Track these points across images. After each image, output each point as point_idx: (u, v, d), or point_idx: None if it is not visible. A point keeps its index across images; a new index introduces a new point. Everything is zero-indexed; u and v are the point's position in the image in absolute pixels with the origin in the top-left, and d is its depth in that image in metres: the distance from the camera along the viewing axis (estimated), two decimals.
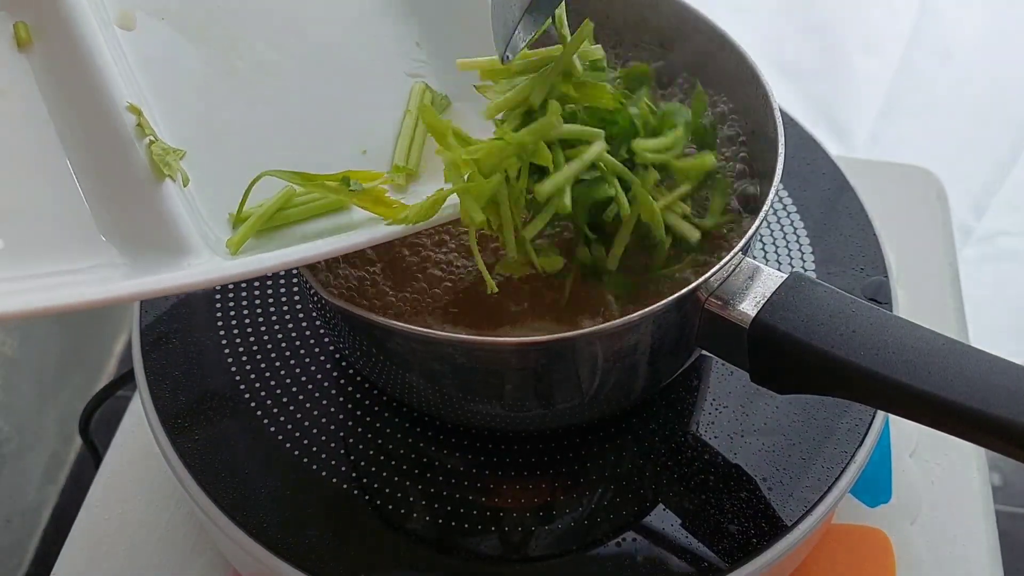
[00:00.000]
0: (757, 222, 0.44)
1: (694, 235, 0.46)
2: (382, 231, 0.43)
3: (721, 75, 0.54)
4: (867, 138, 0.95)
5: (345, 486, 0.50)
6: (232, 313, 0.56)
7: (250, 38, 0.50)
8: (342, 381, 0.54)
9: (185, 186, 0.43)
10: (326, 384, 0.54)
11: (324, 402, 0.53)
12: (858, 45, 1.01)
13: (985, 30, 0.96)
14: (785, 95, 0.89)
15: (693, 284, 0.42)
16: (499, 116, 0.46)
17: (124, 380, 0.67)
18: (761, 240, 0.60)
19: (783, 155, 0.46)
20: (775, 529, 0.48)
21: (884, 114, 0.94)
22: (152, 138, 0.43)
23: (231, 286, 0.57)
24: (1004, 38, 0.95)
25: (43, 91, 0.43)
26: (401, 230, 0.43)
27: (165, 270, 0.40)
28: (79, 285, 0.38)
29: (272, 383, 0.54)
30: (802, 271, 0.52)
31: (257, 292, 0.57)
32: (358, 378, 0.54)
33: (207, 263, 0.40)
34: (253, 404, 0.53)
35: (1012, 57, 0.94)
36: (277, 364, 0.54)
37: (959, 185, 0.92)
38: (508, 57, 0.44)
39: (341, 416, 0.53)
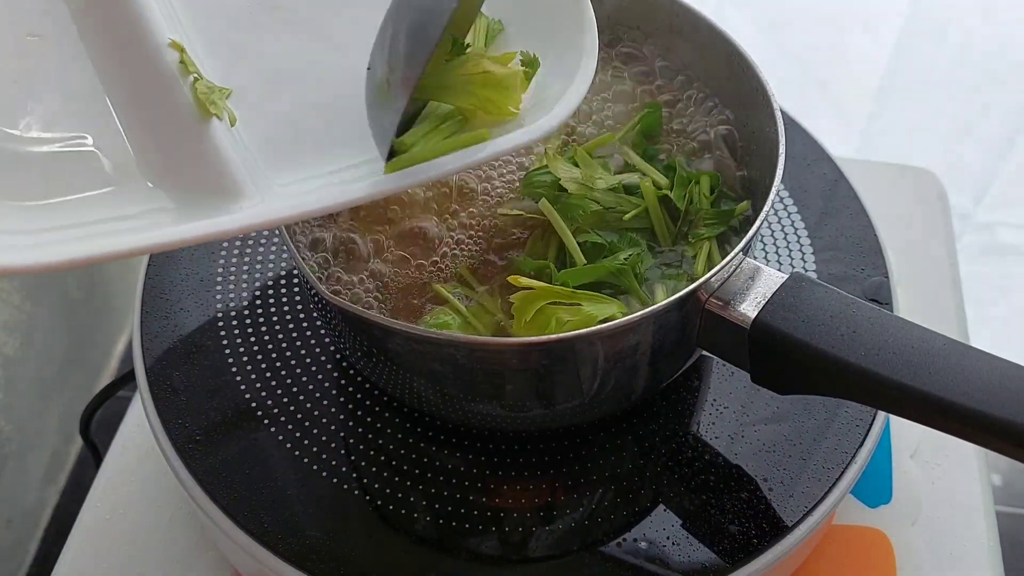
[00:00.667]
0: (758, 223, 0.44)
1: None
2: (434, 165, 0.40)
3: (721, 74, 0.54)
4: (864, 119, 0.95)
5: (345, 486, 0.50)
6: (233, 313, 0.56)
7: None
8: (342, 381, 0.54)
9: (232, 125, 0.41)
10: (327, 384, 0.54)
11: (325, 402, 0.53)
12: (855, 24, 1.01)
13: (981, 12, 0.96)
14: (783, 75, 0.89)
15: (694, 284, 0.42)
16: None
17: (125, 380, 0.67)
18: (762, 240, 0.60)
19: (783, 155, 0.47)
20: (776, 530, 0.48)
21: (880, 96, 0.94)
22: (196, 76, 0.41)
23: (232, 285, 0.57)
24: (1000, 20, 0.94)
25: (82, 33, 0.42)
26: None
27: (217, 213, 0.38)
28: (129, 232, 0.37)
29: (273, 383, 0.54)
30: (802, 271, 0.52)
31: (258, 291, 0.57)
32: (358, 378, 0.54)
33: (259, 205, 0.39)
34: (254, 404, 0.53)
35: (1007, 39, 0.94)
36: (278, 364, 0.54)
37: (955, 170, 0.92)
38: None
39: (341, 416, 0.53)
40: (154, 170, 0.40)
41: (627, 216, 0.49)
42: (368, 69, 0.42)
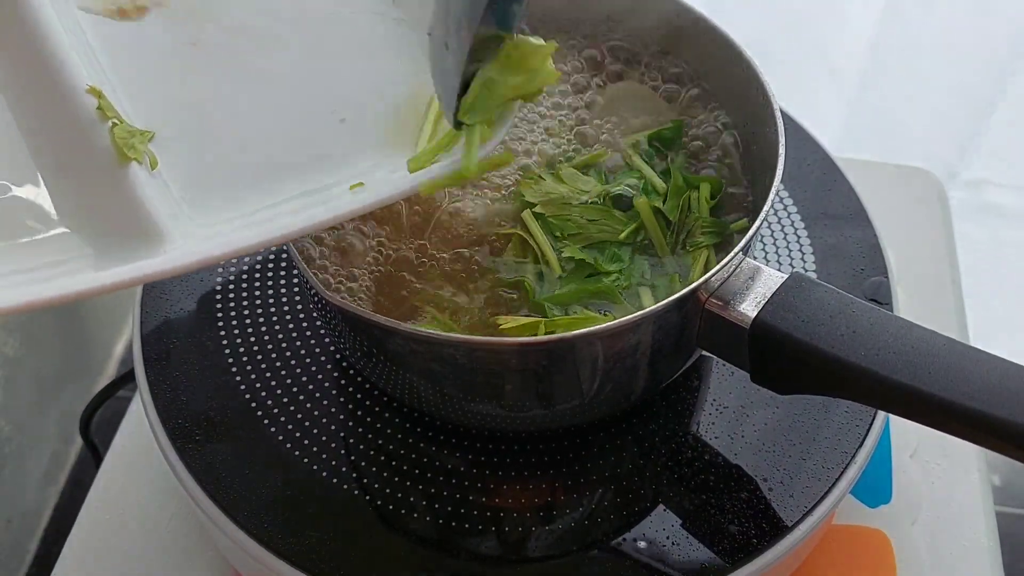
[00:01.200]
0: (757, 223, 0.44)
1: None
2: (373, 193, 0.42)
3: (721, 75, 0.54)
4: (855, 83, 0.95)
5: (345, 486, 0.50)
6: (232, 313, 0.56)
7: (215, 9, 0.48)
8: (342, 381, 0.54)
9: (154, 168, 0.41)
10: (326, 384, 0.54)
11: (324, 402, 0.53)
12: None
13: None
14: (774, 38, 0.89)
15: (694, 284, 0.42)
16: None
17: (124, 380, 0.67)
18: (761, 240, 0.60)
19: (783, 155, 0.46)
20: (776, 529, 0.48)
21: (871, 55, 0.94)
22: (115, 120, 0.41)
23: (231, 285, 0.57)
24: None
25: (2, 86, 0.42)
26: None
27: (138, 258, 0.38)
28: (45, 281, 0.37)
29: (273, 383, 0.54)
30: (802, 271, 0.52)
31: (258, 292, 0.57)
32: (358, 378, 0.54)
33: (182, 248, 0.39)
34: (254, 404, 0.53)
35: (995, 3, 0.94)
36: (278, 364, 0.54)
37: (943, 128, 0.92)
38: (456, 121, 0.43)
39: (341, 416, 0.53)
40: (74, 217, 0.40)
41: (623, 235, 0.49)
42: (429, 34, 0.43)
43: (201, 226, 0.41)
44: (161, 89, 0.45)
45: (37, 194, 0.40)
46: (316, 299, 0.50)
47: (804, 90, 0.87)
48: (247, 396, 0.53)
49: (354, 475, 0.50)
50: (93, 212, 0.40)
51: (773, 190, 0.45)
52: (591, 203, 0.51)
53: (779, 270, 0.45)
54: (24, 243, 0.39)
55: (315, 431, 0.52)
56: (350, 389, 0.54)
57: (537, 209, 0.51)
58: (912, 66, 0.89)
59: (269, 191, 0.42)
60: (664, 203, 0.51)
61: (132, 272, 0.37)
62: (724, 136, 0.55)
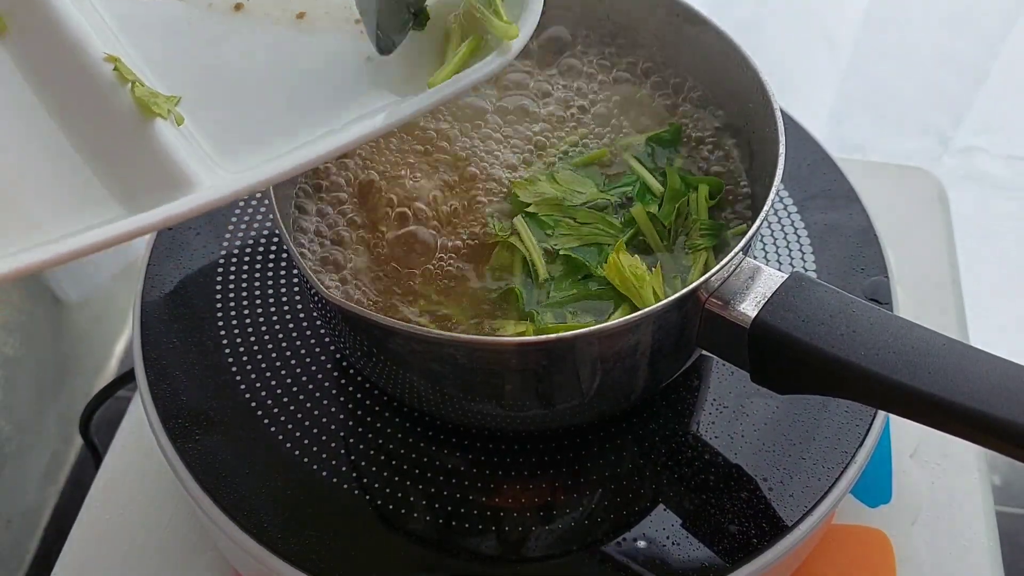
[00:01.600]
0: (757, 222, 0.44)
1: None
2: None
3: (721, 75, 0.54)
4: (849, 51, 0.94)
5: (345, 486, 0.50)
6: (233, 313, 0.56)
7: None
8: (342, 381, 0.54)
9: (180, 124, 0.42)
10: (326, 384, 0.54)
11: (324, 402, 0.53)
12: None
13: None
14: (770, 9, 0.89)
15: (694, 284, 0.42)
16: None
17: (124, 380, 0.67)
18: (762, 240, 0.60)
19: (783, 155, 0.46)
20: (775, 529, 0.48)
21: (864, 23, 0.94)
22: (135, 82, 0.42)
23: (231, 285, 0.57)
24: None
25: (25, 75, 0.43)
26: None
27: (170, 201, 0.39)
28: (83, 232, 0.38)
29: (272, 383, 0.54)
30: (802, 271, 0.52)
31: (258, 291, 0.57)
32: (358, 378, 0.54)
33: (211, 186, 0.40)
34: (253, 404, 0.53)
35: None
36: (277, 364, 0.54)
37: (936, 96, 0.92)
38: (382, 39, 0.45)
39: (341, 416, 0.53)
40: (111, 182, 0.41)
41: (622, 240, 0.50)
42: None
43: (231, 172, 0.42)
44: (183, 55, 0.46)
45: (76, 169, 0.41)
46: (316, 299, 0.50)
47: (799, 59, 0.87)
48: (247, 396, 0.53)
49: (354, 475, 0.50)
50: (128, 173, 0.41)
51: (773, 190, 0.45)
52: (586, 207, 0.51)
53: (779, 270, 0.45)
54: (68, 214, 0.40)
55: (315, 431, 0.52)
56: (350, 389, 0.54)
57: (531, 209, 0.51)
58: (904, 34, 0.89)
59: (296, 135, 0.43)
60: (660, 207, 0.51)
61: (166, 212, 0.38)
62: (724, 136, 0.55)
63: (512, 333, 0.47)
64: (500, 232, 0.50)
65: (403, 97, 0.45)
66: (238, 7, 0.48)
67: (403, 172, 0.54)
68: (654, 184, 0.52)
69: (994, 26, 0.87)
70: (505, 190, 0.53)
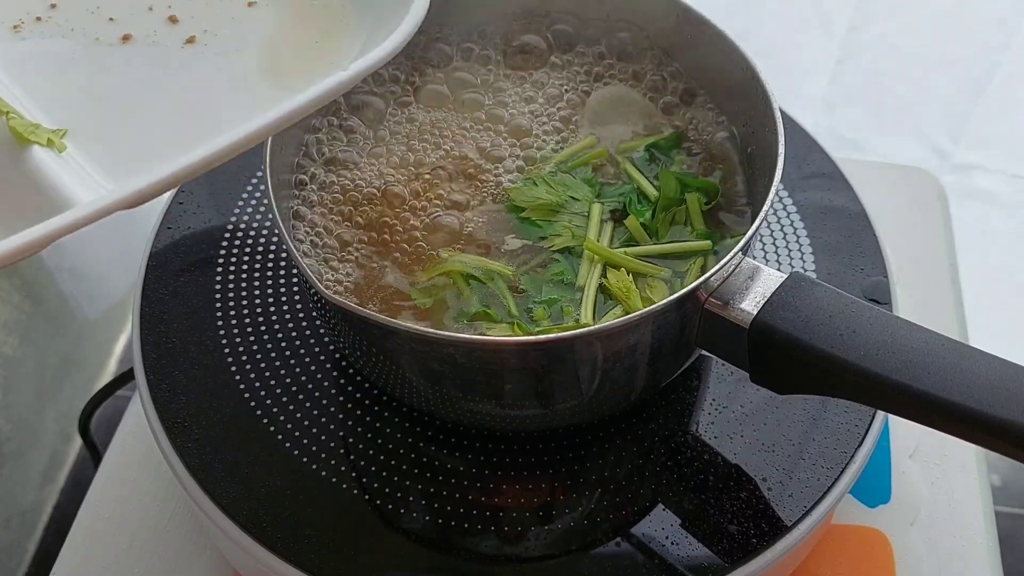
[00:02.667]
0: (757, 222, 0.44)
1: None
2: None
3: (720, 75, 0.54)
4: (844, 38, 0.94)
5: (345, 486, 0.50)
6: (232, 312, 0.56)
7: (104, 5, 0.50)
8: (342, 381, 0.54)
9: (62, 151, 0.43)
10: (326, 384, 0.54)
11: (324, 402, 0.53)
12: None
13: None
14: None
15: (693, 284, 0.42)
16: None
17: (124, 380, 0.67)
18: (761, 240, 0.60)
19: (783, 155, 0.46)
20: (775, 529, 0.48)
21: (858, 9, 0.93)
22: (10, 113, 0.43)
23: (231, 284, 0.57)
24: None
25: None
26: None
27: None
28: None
29: (272, 383, 0.54)
30: (802, 271, 0.52)
31: (257, 291, 0.57)
32: (358, 378, 0.54)
33: (92, 201, 0.39)
34: (253, 404, 0.53)
35: None
36: (277, 364, 0.54)
37: (932, 107, 0.92)
38: None
39: (341, 416, 0.53)
40: None
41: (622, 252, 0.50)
42: None
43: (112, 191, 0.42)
44: (70, 87, 0.47)
45: None
46: (315, 298, 0.50)
47: (793, 46, 0.86)
48: (246, 395, 0.53)
49: (353, 474, 0.50)
50: (6, 198, 0.42)
51: (773, 190, 0.45)
52: (581, 213, 0.51)
53: (778, 270, 0.45)
54: None
55: (314, 430, 0.52)
56: (349, 389, 0.54)
57: (525, 214, 0.51)
58: (899, 26, 0.88)
59: (183, 151, 0.43)
60: (653, 215, 0.51)
61: (37, 232, 0.37)
62: (723, 136, 0.55)
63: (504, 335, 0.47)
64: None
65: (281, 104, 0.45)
66: (126, 38, 0.49)
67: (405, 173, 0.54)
68: (650, 190, 0.52)
69: (993, 34, 0.87)
70: (500, 192, 0.53)
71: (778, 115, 0.48)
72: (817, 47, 0.91)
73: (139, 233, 1.03)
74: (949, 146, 0.94)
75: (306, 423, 0.52)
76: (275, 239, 0.60)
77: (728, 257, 0.43)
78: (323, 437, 0.52)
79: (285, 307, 0.57)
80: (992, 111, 0.91)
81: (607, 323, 0.42)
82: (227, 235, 0.60)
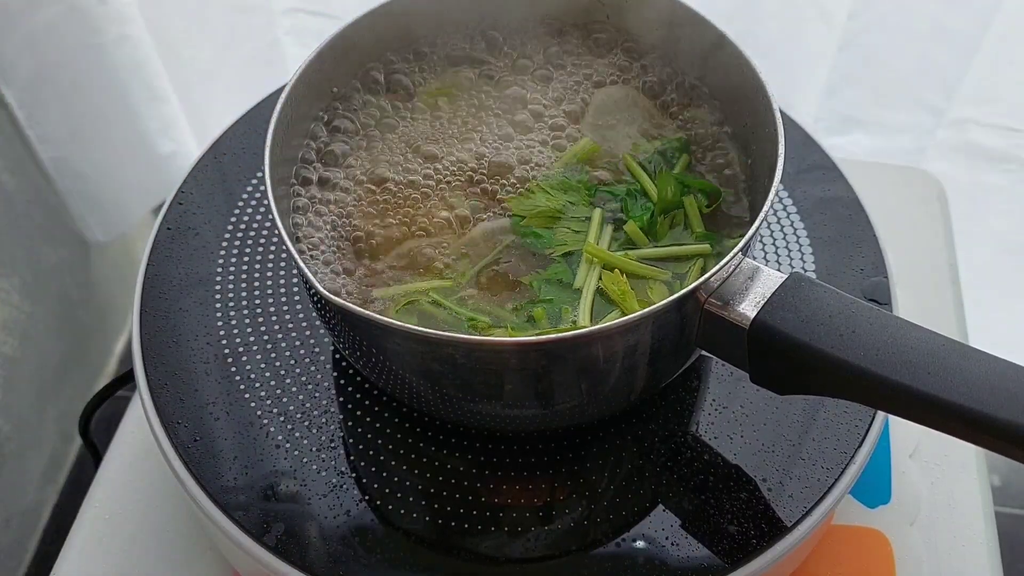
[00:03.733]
0: (757, 222, 0.44)
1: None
2: None
3: (720, 75, 0.54)
4: (843, 24, 0.94)
5: (344, 486, 0.50)
6: (232, 314, 0.56)
7: None
8: (342, 382, 0.54)
9: None
10: (326, 384, 0.54)
11: (324, 402, 0.53)
12: None
13: None
14: None
15: (693, 284, 0.42)
16: None
17: (124, 380, 0.67)
18: (761, 241, 0.60)
19: (783, 155, 0.46)
20: (775, 530, 0.48)
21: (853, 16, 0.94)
22: None
23: (231, 285, 0.57)
24: None
25: None
26: None
27: None
28: None
29: (272, 383, 0.54)
30: (802, 271, 0.52)
31: (257, 292, 0.57)
32: (358, 378, 0.54)
33: None
34: (253, 404, 0.53)
35: None
36: (277, 364, 0.54)
37: (928, 69, 0.92)
38: None
39: (341, 416, 0.53)
40: None
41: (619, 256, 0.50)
42: None
43: None
44: None
45: None
46: (315, 298, 0.50)
47: (792, 32, 0.86)
48: (246, 396, 0.53)
49: (353, 475, 0.50)
50: None
51: (772, 190, 0.45)
52: (581, 219, 0.52)
53: (778, 270, 0.45)
54: None
55: (314, 431, 0.52)
56: (350, 389, 0.54)
57: (525, 223, 0.51)
58: (899, 4, 0.88)
59: None
60: (652, 217, 0.51)
61: None
62: (722, 136, 0.55)
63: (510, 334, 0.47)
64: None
65: None
66: None
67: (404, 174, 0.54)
68: (652, 190, 0.52)
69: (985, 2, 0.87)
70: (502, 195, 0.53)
71: (778, 115, 0.48)
72: (818, 39, 0.91)
73: (154, 164, 1.04)
74: (943, 104, 0.95)
75: (306, 424, 0.52)
76: (275, 239, 0.60)
77: (728, 258, 0.43)
78: (323, 438, 0.52)
79: (285, 308, 0.57)
80: (984, 71, 0.91)
81: (608, 323, 0.41)
82: (227, 235, 0.60)
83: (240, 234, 0.60)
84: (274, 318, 0.56)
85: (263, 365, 0.54)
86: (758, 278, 0.44)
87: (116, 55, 0.95)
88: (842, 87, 0.94)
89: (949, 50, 0.90)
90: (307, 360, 0.55)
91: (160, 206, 0.61)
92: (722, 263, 0.43)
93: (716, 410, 0.53)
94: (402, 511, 0.49)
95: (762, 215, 0.44)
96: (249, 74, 1.01)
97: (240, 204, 0.61)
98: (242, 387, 0.53)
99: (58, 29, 0.89)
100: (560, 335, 0.41)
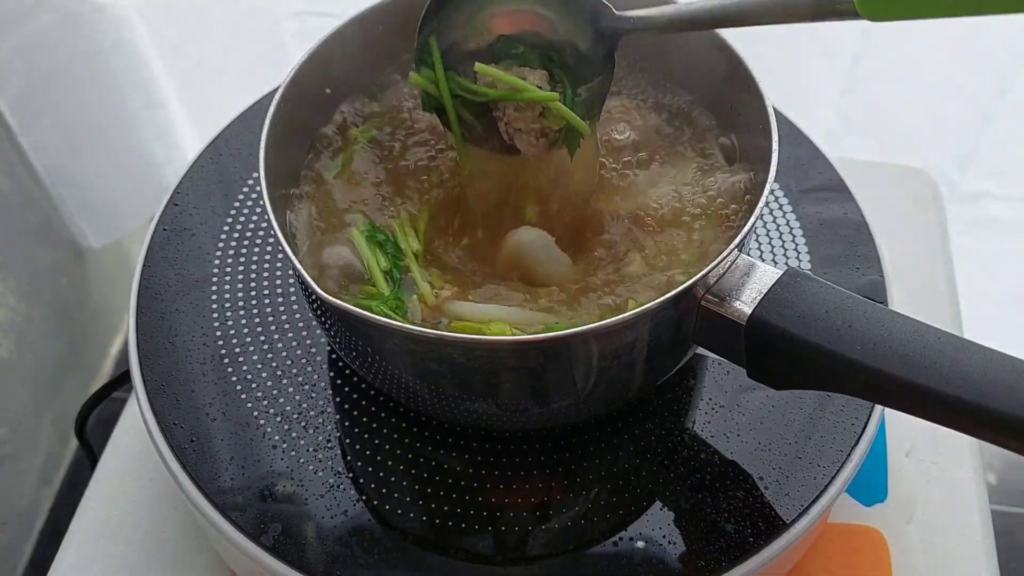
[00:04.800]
0: (752, 219, 0.44)
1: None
2: None
3: (714, 74, 0.54)
4: (847, 68, 0.93)
5: (341, 486, 0.50)
6: (228, 315, 0.56)
7: None
8: (338, 382, 0.54)
9: None
10: (323, 385, 0.54)
11: (321, 403, 0.53)
12: None
13: None
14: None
15: (689, 281, 0.42)
16: None
17: (120, 382, 0.67)
18: (757, 241, 0.60)
19: (776, 152, 0.46)
20: (771, 528, 0.48)
21: (863, 39, 0.93)
22: None
23: (227, 285, 0.57)
24: None
25: None
26: None
27: None
28: None
29: (269, 384, 0.54)
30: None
31: (253, 293, 0.57)
32: (355, 379, 0.54)
33: None
34: (249, 405, 0.53)
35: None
36: (274, 365, 0.54)
37: (940, 135, 0.91)
38: None
39: (338, 416, 0.53)
40: None
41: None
42: None
43: None
44: None
45: None
46: (312, 298, 0.50)
47: (797, 75, 0.86)
48: (243, 396, 0.53)
49: (350, 475, 0.50)
50: None
51: (767, 187, 0.45)
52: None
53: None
54: None
55: (311, 431, 0.52)
56: (346, 390, 0.54)
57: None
58: (906, 54, 0.88)
59: None
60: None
61: None
62: (716, 133, 0.55)
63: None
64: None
65: None
66: None
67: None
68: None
69: (1002, 60, 0.86)
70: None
71: (771, 111, 0.48)
72: (821, 78, 0.91)
73: (149, 171, 1.03)
74: (956, 175, 0.94)
75: (303, 424, 0.52)
76: (271, 240, 0.60)
77: (724, 254, 0.43)
78: (320, 438, 0.52)
79: (282, 308, 0.57)
80: (1001, 138, 0.90)
81: (604, 321, 0.41)
82: (223, 236, 0.60)
83: (236, 235, 0.60)
84: (270, 318, 0.56)
85: (260, 366, 0.54)
86: (754, 274, 0.44)
87: (112, 62, 0.94)
88: (841, 135, 0.94)
89: (961, 113, 0.89)
90: (303, 360, 0.55)
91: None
92: (718, 259, 0.43)
93: (713, 409, 0.53)
94: (399, 511, 0.49)
95: (757, 212, 0.44)
96: (255, 76, 1.00)
97: (236, 204, 0.61)
98: (239, 388, 0.53)
99: (52, 37, 0.88)
100: (557, 333, 0.41)
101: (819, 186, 0.62)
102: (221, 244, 0.59)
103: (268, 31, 0.99)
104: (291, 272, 0.58)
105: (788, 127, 0.64)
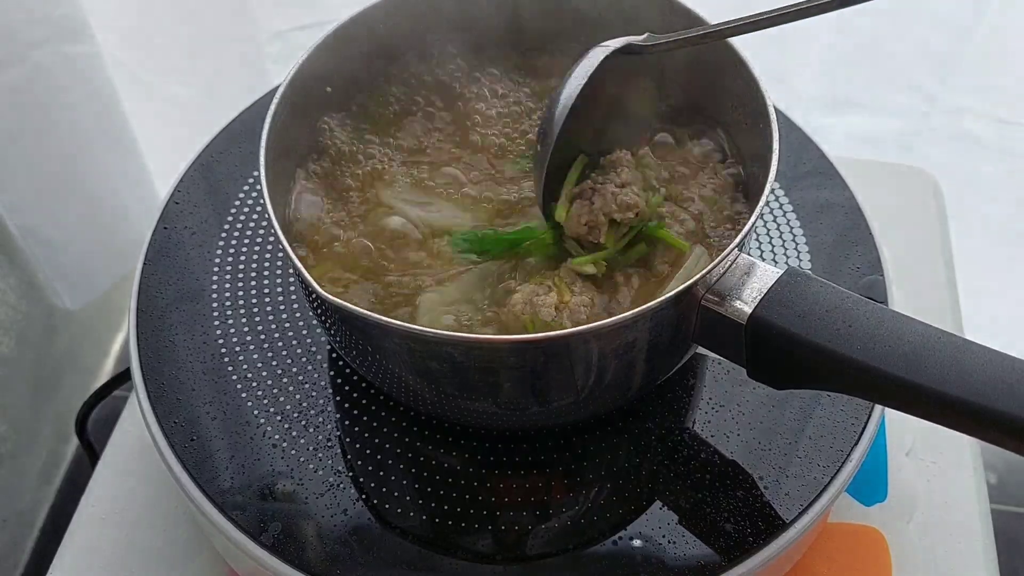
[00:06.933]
0: (752, 219, 0.44)
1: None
2: None
3: (715, 72, 0.54)
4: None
5: (341, 485, 0.50)
6: (229, 313, 0.56)
7: None
8: (339, 380, 0.54)
9: None
10: (323, 384, 0.54)
11: (321, 401, 0.53)
12: None
13: None
14: None
15: (690, 280, 0.42)
16: None
17: (120, 380, 0.67)
18: (758, 241, 0.60)
19: (776, 151, 0.46)
20: (771, 527, 0.48)
21: None
22: None
23: (227, 284, 0.57)
24: None
25: None
26: None
27: None
28: None
29: (269, 383, 0.54)
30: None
31: (253, 292, 0.57)
32: (355, 377, 0.54)
33: None
34: (250, 404, 0.53)
35: None
36: (274, 363, 0.54)
37: (924, 60, 0.93)
38: None
39: (338, 415, 0.53)
40: None
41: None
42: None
43: None
44: None
45: None
46: (312, 297, 0.50)
47: (804, 127, 0.87)
48: (243, 395, 0.53)
49: (350, 474, 0.50)
50: None
51: (767, 187, 0.45)
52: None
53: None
54: None
55: (311, 430, 0.52)
56: (346, 388, 0.54)
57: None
58: None
59: None
60: None
61: None
62: (718, 133, 0.55)
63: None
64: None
65: None
66: None
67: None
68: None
69: None
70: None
71: (772, 110, 0.48)
72: (814, 22, 0.92)
73: (124, 227, 1.01)
74: (939, 92, 0.95)
75: (303, 423, 0.52)
76: (271, 239, 0.60)
77: (724, 253, 0.43)
78: (320, 437, 0.52)
79: (282, 307, 0.57)
80: (978, 60, 0.91)
81: (604, 321, 0.41)
82: (223, 234, 0.60)
83: (236, 233, 0.60)
84: (270, 317, 0.56)
85: (259, 364, 0.54)
86: (754, 274, 0.44)
87: (83, 113, 0.88)
88: (836, 67, 0.94)
89: (943, 37, 0.90)
90: (303, 359, 0.55)
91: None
92: (718, 259, 0.43)
93: (713, 408, 0.53)
94: (399, 510, 0.49)
95: (757, 211, 0.44)
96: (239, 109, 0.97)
97: (236, 204, 0.61)
98: (239, 386, 0.53)
99: (21, 91, 0.82)
100: (556, 333, 0.41)
101: (819, 186, 0.61)
102: (221, 243, 0.59)
103: (251, 62, 0.96)
104: (291, 271, 0.58)
105: (790, 128, 0.63)
